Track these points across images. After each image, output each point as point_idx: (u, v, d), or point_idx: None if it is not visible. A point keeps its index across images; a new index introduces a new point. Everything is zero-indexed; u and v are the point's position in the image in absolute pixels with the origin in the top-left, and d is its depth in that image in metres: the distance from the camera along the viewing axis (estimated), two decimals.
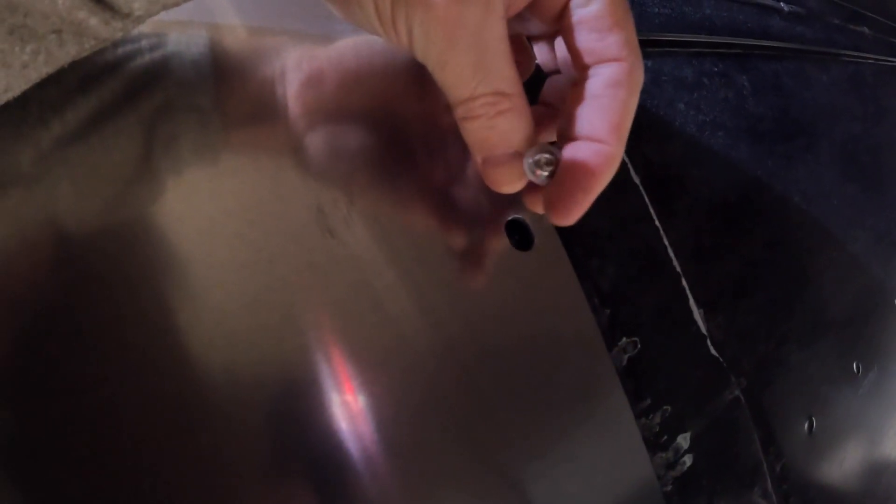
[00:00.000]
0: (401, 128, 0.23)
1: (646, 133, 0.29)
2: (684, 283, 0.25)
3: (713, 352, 0.25)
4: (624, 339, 0.23)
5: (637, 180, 0.27)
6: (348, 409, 0.20)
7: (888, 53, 0.60)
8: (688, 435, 0.24)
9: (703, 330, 0.25)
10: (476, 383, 0.20)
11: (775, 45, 0.42)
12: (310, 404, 0.20)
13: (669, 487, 0.23)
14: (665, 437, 0.23)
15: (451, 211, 0.22)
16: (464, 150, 0.23)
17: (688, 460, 0.23)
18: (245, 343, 0.20)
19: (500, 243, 0.22)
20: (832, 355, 0.32)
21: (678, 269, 0.25)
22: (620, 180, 0.26)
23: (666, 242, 0.26)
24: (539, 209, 0.20)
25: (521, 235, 0.23)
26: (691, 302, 0.25)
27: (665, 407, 0.23)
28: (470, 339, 0.21)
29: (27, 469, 0.19)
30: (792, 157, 0.37)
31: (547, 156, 0.18)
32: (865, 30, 0.60)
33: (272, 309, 0.20)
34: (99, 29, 0.15)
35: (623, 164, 0.27)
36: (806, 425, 0.29)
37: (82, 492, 0.18)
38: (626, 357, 0.23)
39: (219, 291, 0.20)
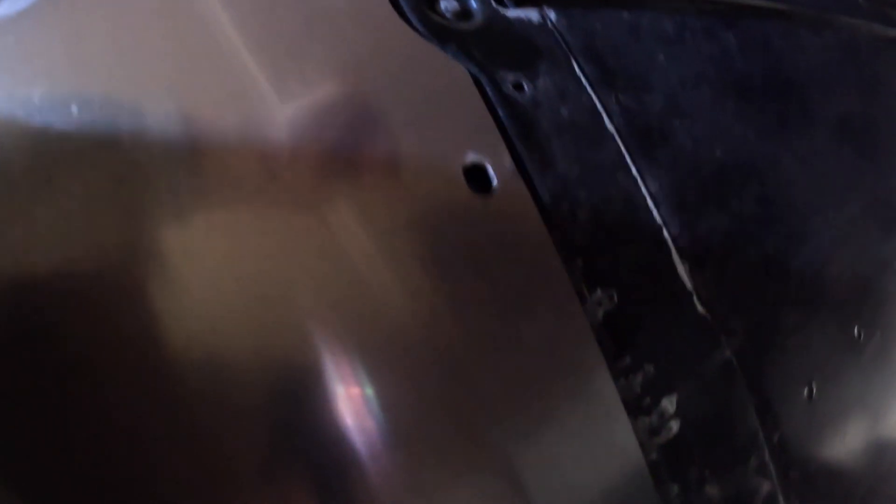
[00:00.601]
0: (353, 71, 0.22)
1: (621, 82, 0.27)
2: (666, 234, 0.23)
3: (700, 310, 0.23)
4: (599, 291, 0.21)
5: (612, 129, 0.25)
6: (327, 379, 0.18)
7: (883, 24, 0.59)
8: (674, 398, 0.21)
9: (689, 286, 0.23)
10: (442, 335, 0.18)
11: (763, 4, 0.41)
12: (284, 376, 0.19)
13: (655, 456, 0.21)
14: (648, 399, 0.21)
15: (403, 156, 0.20)
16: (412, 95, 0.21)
17: (674, 426, 0.21)
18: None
19: (456, 187, 0.20)
20: (832, 319, 0.30)
21: (659, 220, 0.23)
22: (593, 128, 0.24)
23: (645, 192, 0.24)
24: None
25: (480, 181, 0.21)
26: (675, 255, 0.23)
27: (647, 367, 0.21)
28: (431, 290, 0.19)
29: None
30: (784, 116, 0.35)
31: None
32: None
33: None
34: None
35: (595, 111, 0.25)
36: (805, 392, 0.27)
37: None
38: (601, 311, 0.21)
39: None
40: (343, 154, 0.20)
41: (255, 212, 0.19)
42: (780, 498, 0.25)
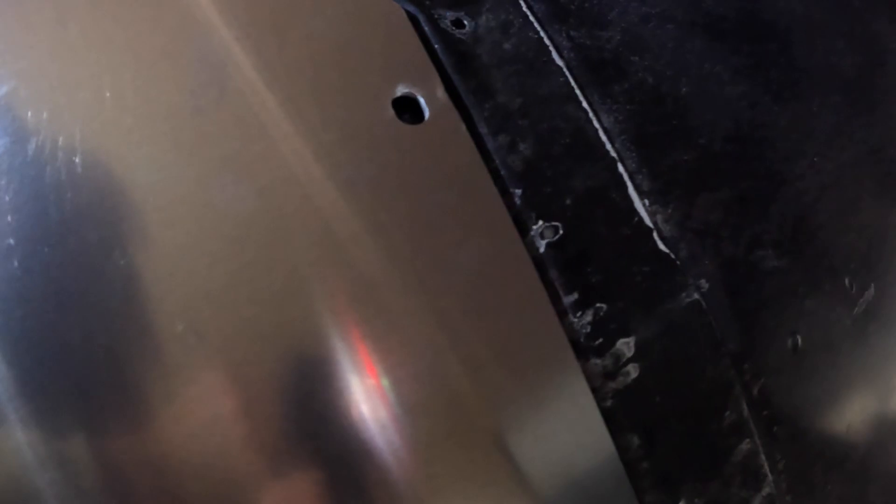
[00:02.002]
0: None
1: (574, 19, 0.25)
2: (622, 169, 0.21)
3: (662, 247, 0.21)
4: (541, 222, 0.19)
5: (560, 63, 0.23)
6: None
7: None
8: (631, 340, 0.19)
9: (648, 222, 0.21)
10: (363, 261, 0.16)
11: None
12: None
13: (609, 403, 0.19)
14: (600, 340, 0.19)
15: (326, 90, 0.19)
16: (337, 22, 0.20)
17: (633, 371, 0.19)
18: None
19: (382, 116, 0.19)
20: (819, 267, 0.28)
21: (613, 153, 0.22)
22: (538, 61, 0.22)
23: (597, 125, 0.22)
24: None
25: (413, 112, 0.19)
26: (631, 190, 0.21)
27: (598, 305, 0.19)
28: (350, 215, 0.17)
29: None
30: (761, 58, 0.33)
31: None
32: None
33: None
34: None
35: (542, 45, 0.23)
36: (790, 342, 0.25)
37: None
38: (543, 243, 0.19)
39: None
40: None
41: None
42: (763, 457, 0.23)
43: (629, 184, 0.21)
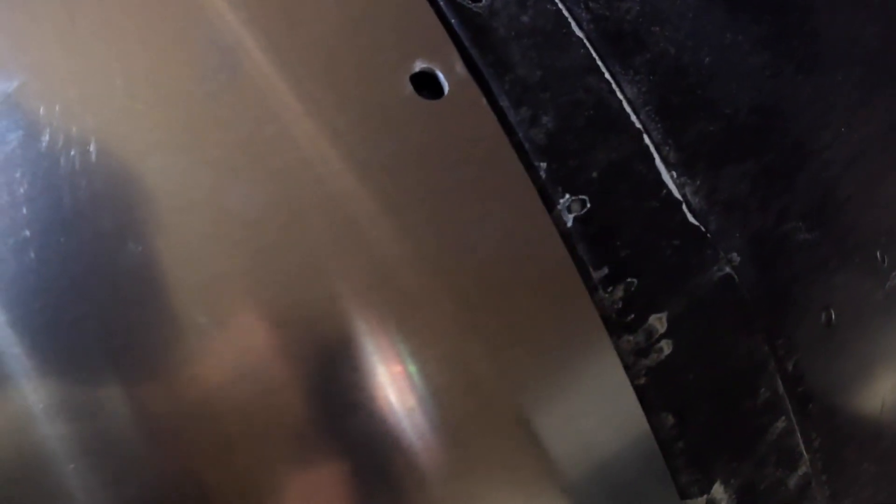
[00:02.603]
0: None
1: None
2: (647, 140, 0.21)
3: (691, 220, 0.21)
4: (568, 196, 0.18)
5: (581, 34, 0.22)
6: None
7: None
8: (663, 316, 0.19)
9: (677, 194, 0.21)
10: (380, 238, 0.16)
11: None
12: None
13: (642, 380, 0.18)
14: (632, 315, 0.18)
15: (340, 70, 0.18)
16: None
17: (665, 347, 0.19)
18: None
19: (401, 92, 0.18)
20: (849, 240, 0.27)
21: (638, 125, 0.21)
22: (557, 33, 0.22)
23: (621, 97, 0.21)
24: None
25: (430, 88, 0.19)
26: (658, 161, 0.21)
27: (629, 280, 0.19)
28: (367, 195, 0.17)
29: None
30: (783, 27, 0.32)
31: None
32: None
33: None
34: None
35: (561, 17, 0.22)
36: (823, 317, 0.24)
37: None
38: (570, 217, 0.18)
39: None
40: None
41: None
42: (798, 435, 0.22)
43: (656, 155, 0.21)
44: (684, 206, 0.21)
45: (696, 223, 0.21)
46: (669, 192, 0.20)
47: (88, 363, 0.19)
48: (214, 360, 0.17)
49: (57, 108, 0.21)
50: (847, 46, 0.37)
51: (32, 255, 0.20)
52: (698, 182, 0.21)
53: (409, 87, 0.19)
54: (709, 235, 0.21)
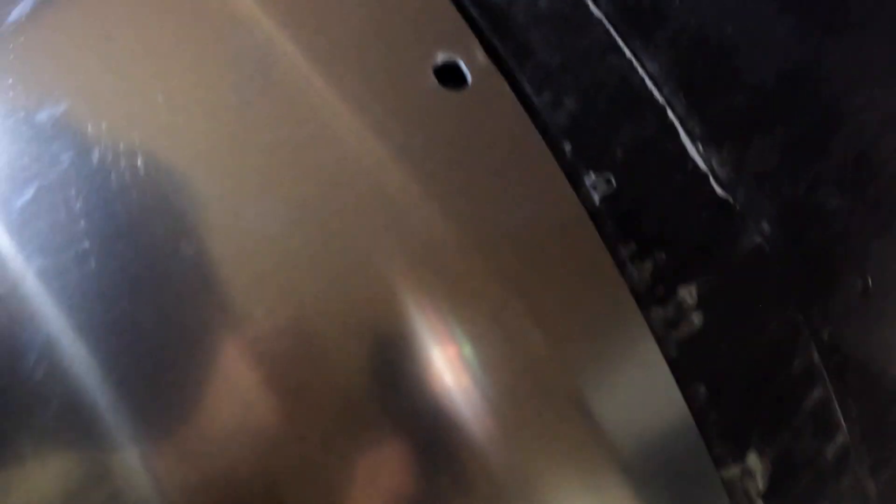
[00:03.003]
0: None
1: None
2: (672, 115, 0.21)
3: (719, 191, 0.21)
4: (593, 174, 0.19)
5: (598, 14, 0.22)
6: None
7: None
8: (693, 287, 0.19)
9: (703, 167, 0.21)
10: (413, 224, 0.17)
11: None
12: None
13: (674, 353, 0.19)
14: (661, 288, 0.19)
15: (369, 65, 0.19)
16: None
17: (696, 319, 0.19)
18: None
19: (426, 85, 0.19)
20: (885, 205, 0.27)
21: (661, 100, 0.21)
22: (575, 15, 0.22)
23: (643, 74, 0.21)
24: None
25: (455, 79, 0.19)
26: (683, 136, 0.21)
27: (658, 254, 0.19)
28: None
29: None
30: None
31: None
32: None
33: None
34: None
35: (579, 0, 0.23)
36: (859, 284, 0.24)
37: None
38: (597, 196, 0.19)
39: None
40: None
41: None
42: (836, 404, 0.22)
43: (680, 130, 0.21)
44: (711, 179, 0.21)
45: (724, 195, 0.21)
46: (696, 166, 0.21)
47: (148, 357, 0.21)
48: (266, 345, 0.18)
49: (103, 126, 0.23)
50: (877, 3, 0.35)
51: (93, 264, 0.21)
52: (725, 154, 0.21)
53: (433, 79, 0.19)
54: (738, 207, 0.21)
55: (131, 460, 0.20)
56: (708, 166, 0.21)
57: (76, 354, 0.21)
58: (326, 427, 0.18)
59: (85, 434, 0.21)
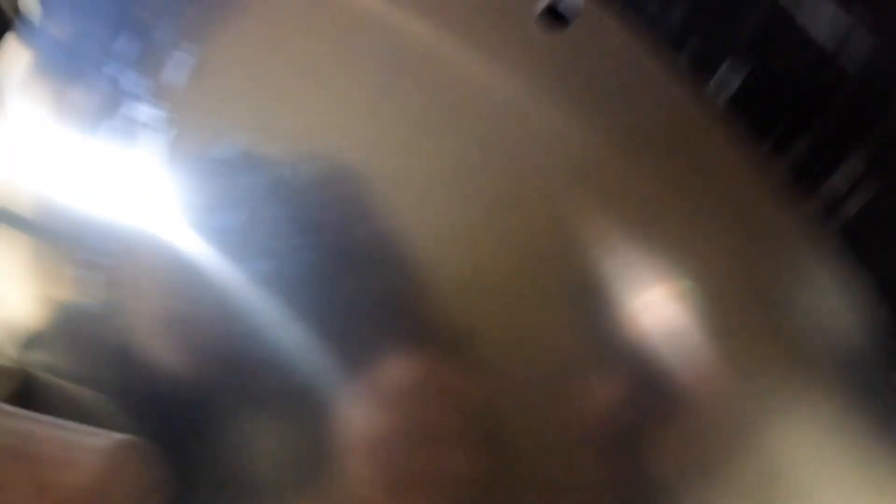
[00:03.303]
0: None
1: None
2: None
3: (855, 66, 0.20)
4: (718, 71, 0.19)
5: None
6: None
7: None
8: (846, 170, 0.19)
9: (834, 42, 0.20)
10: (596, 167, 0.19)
11: None
12: None
13: (839, 243, 0.19)
14: (814, 174, 0.19)
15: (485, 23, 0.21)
16: None
17: (854, 204, 0.19)
18: None
19: (533, 29, 0.21)
20: None
21: None
22: None
23: None
24: None
25: (558, 19, 0.21)
26: (806, 12, 0.21)
27: (801, 140, 0.19)
28: (579, 134, 0.20)
29: None
30: None
31: None
32: None
33: None
34: None
35: None
36: None
37: None
38: (731, 84, 0.19)
39: None
40: None
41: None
42: None
43: (804, 5, 0.20)
44: (846, 54, 0.20)
45: (861, 68, 0.20)
46: (827, 42, 0.20)
47: (364, 326, 0.25)
48: (468, 305, 0.21)
49: (283, 145, 0.28)
50: None
51: (306, 256, 0.27)
52: (856, 23, 0.21)
53: (543, 20, 0.21)
54: (880, 80, 0.20)
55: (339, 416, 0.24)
56: (842, 41, 0.20)
57: (297, 336, 0.27)
58: (529, 377, 0.20)
59: (308, 409, 0.26)
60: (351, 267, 0.24)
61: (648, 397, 0.18)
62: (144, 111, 0.37)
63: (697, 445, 0.17)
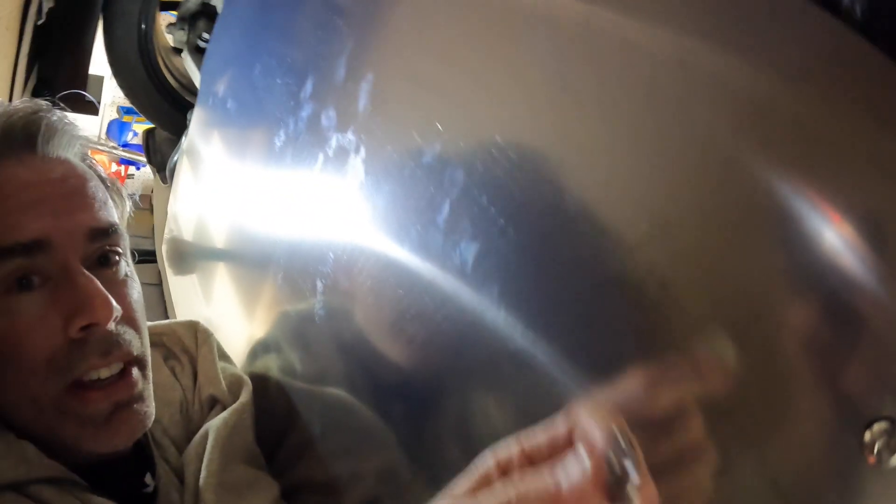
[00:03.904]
0: None
1: None
2: None
3: None
4: None
5: None
6: None
7: None
8: None
9: None
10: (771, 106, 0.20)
11: None
12: None
13: None
14: None
15: None
16: None
17: None
18: None
19: None
20: None
21: None
22: None
23: None
24: None
25: None
26: None
27: None
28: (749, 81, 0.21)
29: None
30: None
31: None
32: None
33: None
34: None
35: None
36: None
37: None
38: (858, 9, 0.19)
39: None
40: None
41: None
42: None
43: None
44: None
45: None
46: None
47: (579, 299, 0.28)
48: (656, 260, 0.23)
49: (472, 141, 0.31)
50: None
51: (512, 232, 0.29)
52: None
53: None
54: None
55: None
56: None
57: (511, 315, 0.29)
58: (725, 318, 0.22)
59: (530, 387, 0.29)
60: (556, 241, 0.27)
61: (837, 325, 0.19)
62: (337, 139, 0.43)
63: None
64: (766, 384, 0.20)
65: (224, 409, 0.41)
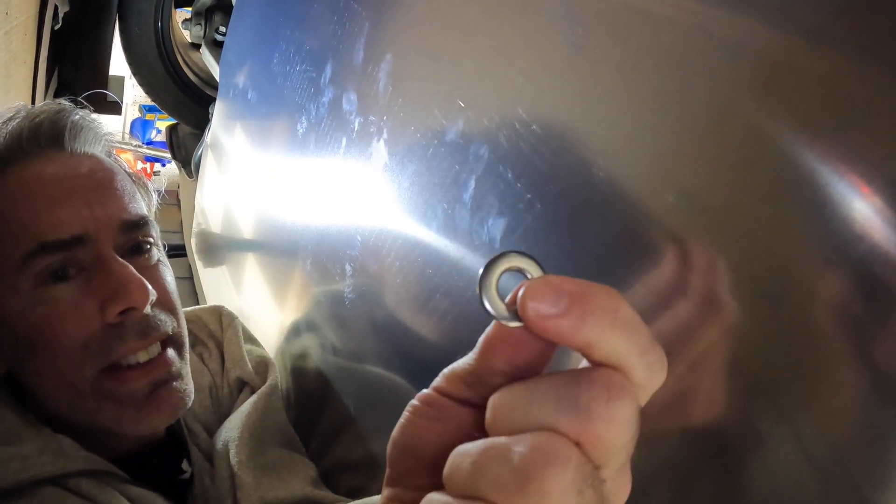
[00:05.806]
0: None
1: None
2: None
3: None
4: None
5: None
6: None
7: None
8: None
9: None
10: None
11: None
12: None
13: None
14: None
15: None
16: None
17: None
18: None
19: None
20: None
21: None
22: None
23: None
24: None
25: None
26: None
27: None
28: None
29: None
30: None
31: None
32: None
33: None
34: None
35: None
36: None
37: None
38: None
39: None
40: None
41: None
42: None
43: None
44: None
45: None
46: None
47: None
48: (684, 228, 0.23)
49: (494, 117, 0.31)
50: None
51: (539, 206, 0.29)
52: None
53: None
54: None
55: None
56: None
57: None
58: (755, 289, 0.21)
59: None
60: (583, 214, 0.27)
61: (870, 296, 0.18)
62: (359, 122, 0.43)
63: None
64: (801, 357, 0.20)
65: (253, 391, 0.42)
